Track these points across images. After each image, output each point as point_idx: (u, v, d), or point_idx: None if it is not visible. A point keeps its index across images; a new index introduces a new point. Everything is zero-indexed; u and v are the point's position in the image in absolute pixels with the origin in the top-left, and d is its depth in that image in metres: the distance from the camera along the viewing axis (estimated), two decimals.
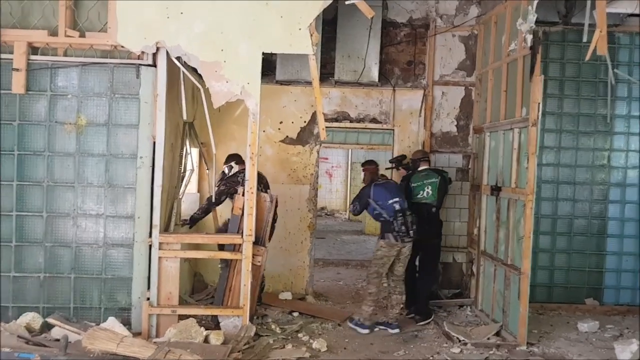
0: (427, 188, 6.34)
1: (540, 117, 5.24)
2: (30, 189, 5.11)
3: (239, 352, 4.55)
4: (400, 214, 5.73)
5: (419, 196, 6.30)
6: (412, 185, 6.34)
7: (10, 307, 5.02)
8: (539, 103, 5.20)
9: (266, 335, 5.23)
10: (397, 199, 5.79)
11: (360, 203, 5.97)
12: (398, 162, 6.86)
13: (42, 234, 5.10)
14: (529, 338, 5.37)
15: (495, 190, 6.13)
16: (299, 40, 5.07)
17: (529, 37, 5.35)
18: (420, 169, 6.53)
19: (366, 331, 5.74)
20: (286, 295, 6.82)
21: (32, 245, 5.09)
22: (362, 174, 6.18)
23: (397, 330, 5.68)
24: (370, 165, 6.14)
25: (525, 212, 5.27)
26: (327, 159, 16.67)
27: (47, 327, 4.84)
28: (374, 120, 7.31)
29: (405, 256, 5.84)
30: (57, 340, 4.53)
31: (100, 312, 5.07)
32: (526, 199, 5.27)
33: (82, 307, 5.08)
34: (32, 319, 4.86)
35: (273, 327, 5.54)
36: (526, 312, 5.26)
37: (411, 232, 5.76)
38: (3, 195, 5.07)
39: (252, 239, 5.08)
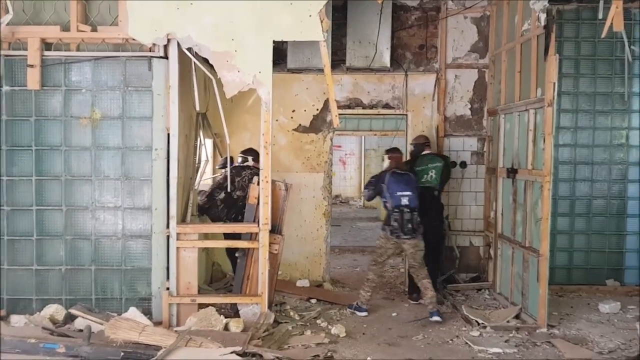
0: (431, 172, 6.35)
1: (556, 97, 5.17)
2: (48, 183, 5.17)
3: (258, 339, 4.59)
4: (398, 210, 5.61)
5: (422, 180, 6.29)
6: (417, 169, 6.34)
7: (34, 299, 5.11)
8: (554, 83, 5.12)
9: (285, 322, 5.26)
10: (408, 193, 5.69)
11: (375, 188, 5.89)
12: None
13: (62, 228, 5.17)
14: (549, 320, 5.34)
15: (512, 172, 6.08)
16: (310, 27, 5.05)
17: (543, 16, 5.27)
18: (423, 153, 6.55)
19: (364, 314, 5.80)
20: (303, 283, 6.86)
21: (52, 238, 5.16)
22: (387, 161, 5.99)
23: (438, 318, 5.51)
24: (395, 154, 6.03)
25: (543, 194, 5.22)
26: (340, 146, 16.65)
27: (70, 318, 4.92)
28: (386, 106, 7.27)
29: (411, 253, 5.73)
30: (81, 330, 4.61)
31: (121, 302, 5.13)
32: (543, 180, 5.22)
33: (103, 298, 5.15)
34: (55, 310, 4.95)
35: (291, 314, 5.57)
36: (546, 294, 5.22)
37: (406, 230, 5.60)
38: (23, 191, 5.14)
39: (269, 227, 5.11)
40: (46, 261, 5.16)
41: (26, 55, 5.08)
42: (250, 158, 6.21)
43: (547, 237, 5.23)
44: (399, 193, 5.69)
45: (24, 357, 4.04)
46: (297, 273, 7.11)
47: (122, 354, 4.00)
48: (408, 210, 5.65)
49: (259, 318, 4.99)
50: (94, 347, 4.06)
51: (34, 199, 5.15)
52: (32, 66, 5.10)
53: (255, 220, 5.22)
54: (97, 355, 4.00)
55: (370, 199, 6.09)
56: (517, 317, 5.58)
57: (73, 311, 4.86)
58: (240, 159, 6.37)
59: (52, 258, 5.17)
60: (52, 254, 5.17)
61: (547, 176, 5.19)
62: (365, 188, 6.09)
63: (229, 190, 5.83)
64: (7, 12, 4.99)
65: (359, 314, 5.81)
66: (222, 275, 7.03)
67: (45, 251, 5.17)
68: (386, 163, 6.03)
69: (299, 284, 6.83)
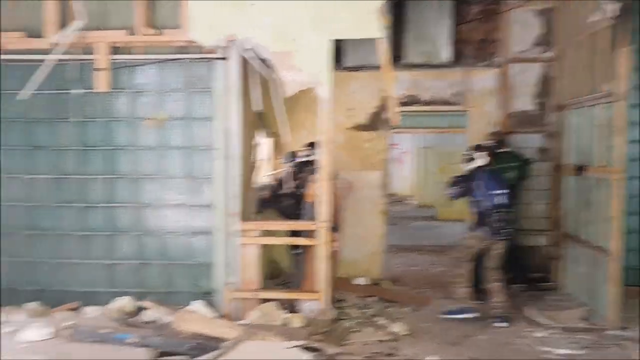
0: (512, 171, 6.15)
1: (628, 90, 4.95)
2: (117, 182, 5.40)
3: (318, 334, 4.63)
4: (497, 210, 5.37)
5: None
6: (498, 166, 6.12)
7: (105, 292, 5.33)
8: (626, 76, 4.90)
9: (344, 319, 5.28)
10: (503, 192, 5.42)
11: (465, 186, 5.60)
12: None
13: (130, 224, 5.39)
14: (619, 322, 5.11)
15: (579, 169, 5.86)
16: (369, 25, 5.03)
17: (613, 7, 5.05)
18: (501, 150, 6.36)
19: (472, 314, 5.44)
20: (361, 281, 6.85)
21: (122, 234, 5.39)
22: (480, 159, 5.62)
23: (502, 324, 5.30)
24: (487, 150, 5.76)
25: (614, 192, 5.00)
26: (395, 144, 16.47)
27: (139, 310, 5.09)
28: (446, 103, 7.17)
29: (496, 253, 5.47)
30: (149, 322, 4.79)
31: (186, 296, 5.25)
32: (614, 177, 5.00)
33: (169, 291, 5.31)
34: (125, 302, 5.13)
35: (351, 311, 5.58)
36: (617, 295, 5.01)
37: (506, 230, 5.38)
38: (94, 189, 5.40)
39: (328, 225, 5.14)
40: (116, 256, 5.39)
41: (95, 59, 5.32)
42: (313, 151, 6.19)
43: (619, 236, 5.01)
44: (495, 192, 5.42)
45: (97, 346, 4.22)
46: (355, 271, 7.09)
47: (190, 344, 4.12)
48: (506, 210, 5.42)
49: (319, 314, 5.03)
50: (163, 338, 4.21)
51: (104, 197, 5.39)
52: (100, 69, 5.34)
53: (315, 217, 5.25)
54: (166, 345, 4.13)
55: (457, 197, 5.78)
56: (585, 318, 5.37)
57: (142, 303, 5.05)
58: (303, 153, 6.35)
59: (122, 253, 5.39)
60: (122, 249, 5.39)
61: (618, 173, 4.97)
62: (452, 186, 5.75)
63: (290, 186, 5.86)
64: (79, 18, 5.23)
65: (464, 316, 5.44)
66: (280, 272, 7.11)
67: (116, 246, 5.39)
68: (480, 160, 5.63)
69: (357, 281, 6.83)
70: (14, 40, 5.39)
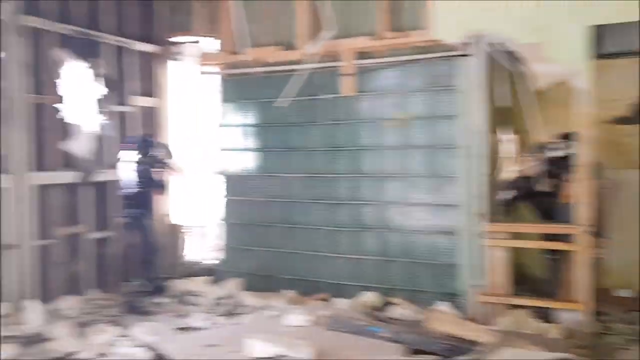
0: None
1: None
2: (362, 180, 5.64)
3: (580, 348, 4.19)
4: None
5: None
6: None
7: (351, 285, 5.59)
8: None
9: (609, 334, 4.69)
10: None
11: None
12: None
13: (374, 221, 5.57)
14: None
15: None
16: (635, 6, 4.42)
17: None
18: None
19: None
20: (626, 293, 6.02)
21: (366, 230, 5.60)
22: None
23: None
24: None
25: None
26: None
27: (385, 305, 5.22)
28: None
29: None
30: (395, 318, 4.87)
31: (429, 295, 5.24)
32: None
33: (413, 289, 5.34)
34: (370, 297, 5.33)
35: (615, 326, 4.93)
36: None
37: None
38: (341, 186, 5.72)
39: (590, 229, 4.63)
40: (361, 251, 5.62)
41: (341, 66, 5.63)
42: (567, 144, 5.58)
43: None
44: None
45: (352, 336, 4.40)
46: (617, 281, 6.24)
47: (444, 344, 4.06)
48: None
49: (579, 326, 4.56)
50: (415, 335, 4.23)
51: (350, 194, 5.67)
52: (346, 75, 5.64)
53: (574, 220, 4.76)
54: (419, 343, 4.14)
55: None
56: None
57: (390, 299, 5.18)
58: (555, 146, 5.78)
59: (366, 249, 5.61)
60: (366, 245, 5.61)
61: None
62: None
63: (543, 183, 5.42)
64: (328, 28, 5.60)
65: None
66: (527, 277, 6.61)
67: (361, 242, 5.63)
68: None
69: (621, 293, 6.02)
70: (271, 53, 6.01)
